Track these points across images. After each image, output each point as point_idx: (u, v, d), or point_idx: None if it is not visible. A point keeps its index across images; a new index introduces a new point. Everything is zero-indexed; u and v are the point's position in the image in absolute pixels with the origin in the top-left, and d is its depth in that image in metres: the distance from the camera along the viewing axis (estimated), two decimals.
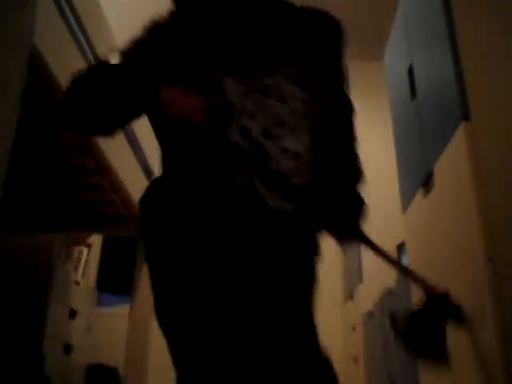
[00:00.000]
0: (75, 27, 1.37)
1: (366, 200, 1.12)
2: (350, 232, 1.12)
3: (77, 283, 3.05)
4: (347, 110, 1.15)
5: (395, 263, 1.23)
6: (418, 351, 1.28)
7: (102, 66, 1.02)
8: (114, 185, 1.94)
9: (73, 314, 2.95)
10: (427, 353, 1.25)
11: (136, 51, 1.01)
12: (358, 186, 1.12)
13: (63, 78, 1.28)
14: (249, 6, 1.05)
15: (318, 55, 1.08)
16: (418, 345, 1.23)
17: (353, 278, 3.42)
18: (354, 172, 1.12)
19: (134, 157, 2.08)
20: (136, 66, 0.99)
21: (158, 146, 1.07)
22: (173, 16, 1.04)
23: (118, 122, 1.05)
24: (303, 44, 1.06)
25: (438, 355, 1.21)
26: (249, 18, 1.03)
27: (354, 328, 3.27)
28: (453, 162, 1.46)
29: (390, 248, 2.85)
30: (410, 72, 1.95)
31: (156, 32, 1.02)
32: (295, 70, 1.01)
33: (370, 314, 2.75)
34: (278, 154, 0.93)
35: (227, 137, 0.91)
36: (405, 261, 2.56)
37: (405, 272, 1.29)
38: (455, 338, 1.41)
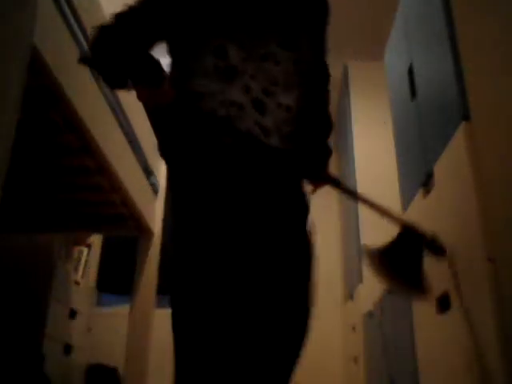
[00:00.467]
0: (75, 27, 1.37)
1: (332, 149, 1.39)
2: (321, 174, 1.35)
3: (77, 283, 3.05)
4: (325, 77, 1.38)
5: (364, 201, 1.37)
6: (392, 280, 1.34)
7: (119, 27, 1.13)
8: (114, 185, 1.94)
9: (73, 314, 2.95)
10: (401, 281, 1.30)
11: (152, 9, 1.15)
12: (328, 137, 1.37)
13: (63, 78, 1.28)
14: None
15: (305, 24, 1.27)
16: (393, 274, 1.29)
17: (353, 278, 3.42)
18: (327, 127, 1.37)
19: (133, 157, 2.08)
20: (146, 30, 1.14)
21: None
22: None
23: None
24: (293, 15, 1.24)
25: (413, 283, 1.26)
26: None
27: (354, 328, 3.27)
28: (453, 162, 1.46)
29: None
30: (410, 72, 1.95)
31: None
32: (287, 37, 1.20)
33: (369, 314, 2.75)
34: (274, 107, 1.14)
35: (229, 96, 1.10)
36: None
37: (377, 209, 1.35)
38: (455, 340, 1.41)
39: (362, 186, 3.30)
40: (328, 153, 1.37)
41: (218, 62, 1.12)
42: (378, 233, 3.17)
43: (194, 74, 1.13)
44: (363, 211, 3.23)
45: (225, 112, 1.08)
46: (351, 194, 1.42)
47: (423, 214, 1.77)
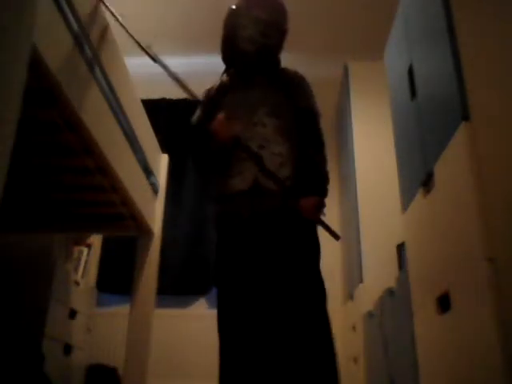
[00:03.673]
0: (75, 27, 1.37)
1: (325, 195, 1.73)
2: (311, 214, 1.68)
3: (77, 283, 3.05)
4: (310, 118, 1.80)
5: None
6: None
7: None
8: (114, 185, 1.94)
9: (73, 314, 2.95)
10: None
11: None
12: (318, 183, 1.74)
13: (63, 78, 1.28)
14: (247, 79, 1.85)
15: (283, 94, 1.78)
16: None
17: (353, 278, 3.42)
18: (317, 174, 1.74)
19: (133, 157, 2.08)
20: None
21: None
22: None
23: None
24: (275, 91, 1.78)
25: None
26: (244, 88, 1.82)
27: (354, 328, 3.28)
28: (453, 162, 1.47)
29: (390, 248, 2.85)
30: (410, 72, 1.95)
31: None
32: (270, 107, 1.74)
33: (369, 314, 2.76)
34: (269, 157, 1.68)
35: (238, 155, 1.71)
36: (405, 261, 2.56)
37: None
38: (455, 340, 1.41)
39: (362, 186, 3.30)
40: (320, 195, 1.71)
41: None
42: (378, 233, 3.18)
43: None
44: (363, 211, 3.23)
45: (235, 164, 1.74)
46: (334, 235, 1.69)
47: (423, 213, 1.77)
